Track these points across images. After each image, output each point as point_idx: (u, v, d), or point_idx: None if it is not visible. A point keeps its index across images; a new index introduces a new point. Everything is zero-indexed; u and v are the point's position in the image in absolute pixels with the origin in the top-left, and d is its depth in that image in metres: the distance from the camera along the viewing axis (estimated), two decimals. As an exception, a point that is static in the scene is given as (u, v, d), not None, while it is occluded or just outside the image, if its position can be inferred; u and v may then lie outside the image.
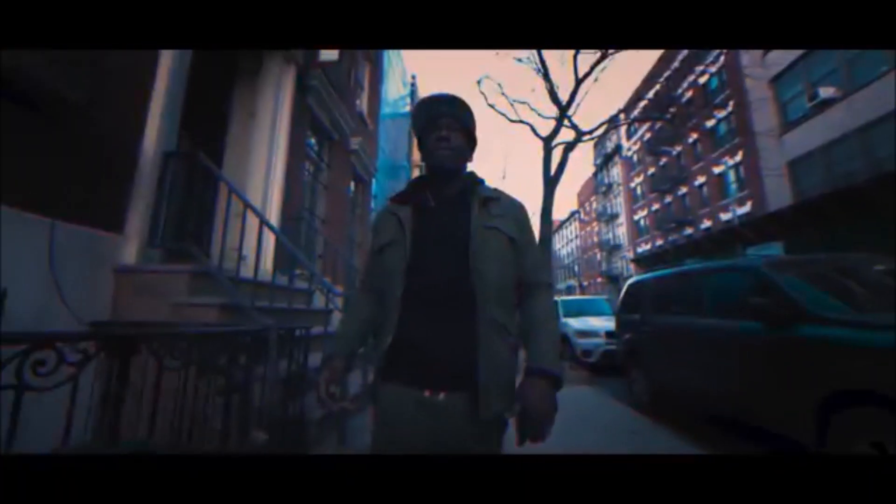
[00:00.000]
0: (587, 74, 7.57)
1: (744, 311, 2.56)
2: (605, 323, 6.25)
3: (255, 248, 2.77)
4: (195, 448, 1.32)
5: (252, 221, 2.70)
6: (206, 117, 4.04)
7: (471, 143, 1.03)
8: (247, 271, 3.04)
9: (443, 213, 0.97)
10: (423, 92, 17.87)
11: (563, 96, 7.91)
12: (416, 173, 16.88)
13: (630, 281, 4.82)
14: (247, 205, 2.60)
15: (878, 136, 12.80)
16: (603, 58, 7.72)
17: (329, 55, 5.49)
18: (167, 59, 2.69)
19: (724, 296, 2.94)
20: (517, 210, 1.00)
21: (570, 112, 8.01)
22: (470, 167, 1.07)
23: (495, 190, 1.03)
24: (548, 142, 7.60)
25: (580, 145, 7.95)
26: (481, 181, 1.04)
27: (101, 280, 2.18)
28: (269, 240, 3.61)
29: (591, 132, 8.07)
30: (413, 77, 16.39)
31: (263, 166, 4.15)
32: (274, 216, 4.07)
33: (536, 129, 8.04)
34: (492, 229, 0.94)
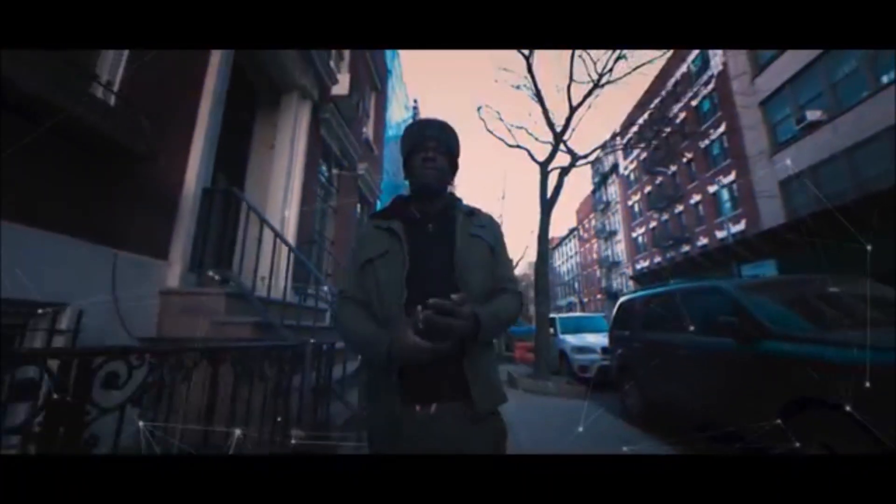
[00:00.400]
0: (580, 103, 8.04)
1: (718, 329, 2.86)
2: (601, 339, 6.50)
3: (277, 271, 3.09)
4: (246, 444, 1.60)
5: (268, 246, 3.04)
6: (229, 149, 4.42)
7: (453, 166, 1.09)
8: (263, 291, 3.36)
9: (430, 225, 1.03)
10: (424, 114, 18.61)
11: (559, 122, 8.36)
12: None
13: (621, 299, 5.11)
14: (277, 235, 2.94)
15: (862, 157, 13.27)
16: (596, 86, 8.20)
17: (340, 89, 5.95)
18: (207, 102, 3.08)
19: (702, 314, 3.24)
20: (493, 224, 1.11)
21: (565, 137, 8.44)
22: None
23: (471, 206, 1.12)
24: (544, 167, 8.00)
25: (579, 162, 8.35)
26: (460, 199, 1.13)
27: (148, 301, 2.49)
28: (284, 262, 3.94)
29: (585, 156, 8.49)
30: (415, 101, 17.11)
31: (281, 194, 4.51)
32: (290, 239, 4.40)
33: (533, 155, 8.44)
34: (475, 237, 1.02)
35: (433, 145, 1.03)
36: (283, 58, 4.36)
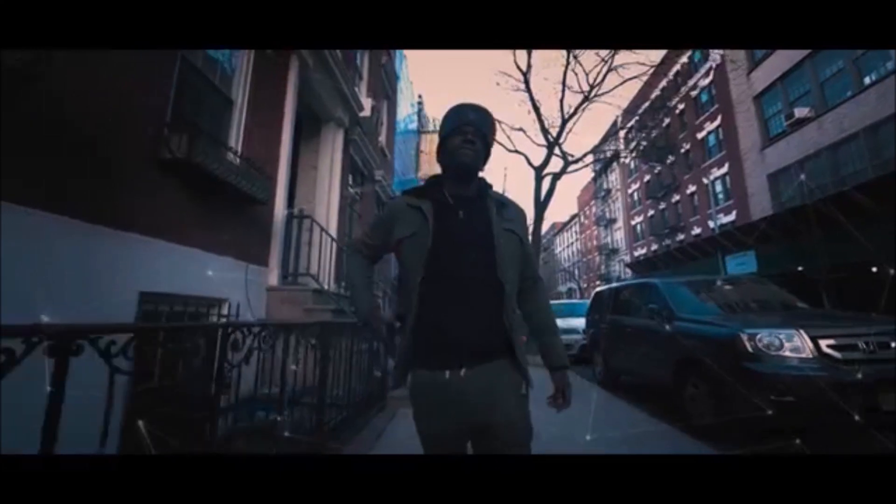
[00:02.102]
0: (572, 115, 9.07)
1: (649, 313, 4.07)
2: (583, 322, 7.75)
3: (329, 270, 4.32)
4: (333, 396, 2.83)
5: (320, 250, 4.27)
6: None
7: (487, 152, 1.14)
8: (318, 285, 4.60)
9: (463, 211, 1.07)
10: (428, 109, 19.54)
11: (556, 123, 9.32)
12: (424, 185, 18.36)
13: (595, 290, 6.34)
14: (339, 247, 4.15)
15: (843, 155, 14.16)
16: (586, 99, 9.21)
17: (363, 112, 7.05)
18: (285, 148, 4.24)
19: (643, 302, 4.44)
20: (522, 215, 1.17)
21: (560, 140, 9.48)
22: None
23: (503, 195, 1.18)
24: (539, 171, 9.09)
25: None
26: (491, 186, 1.17)
27: (261, 295, 3.74)
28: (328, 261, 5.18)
29: (576, 161, 9.55)
30: (419, 97, 18.00)
31: (325, 207, 5.70)
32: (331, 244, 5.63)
33: (530, 160, 9.51)
34: (509, 231, 1.07)
35: (472, 129, 1.08)
36: (325, 96, 5.47)
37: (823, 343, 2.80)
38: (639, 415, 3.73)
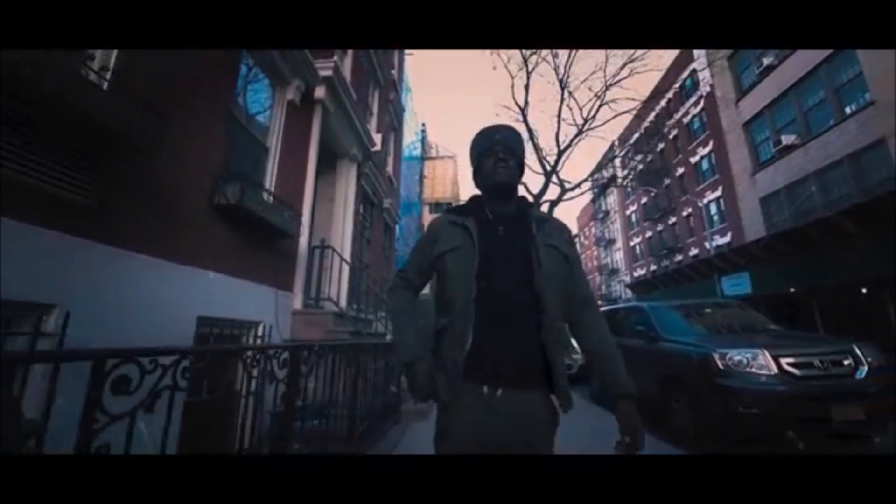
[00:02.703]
0: (567, 146, 9.70)
1: (635, 333, 4.48)
2: (582, 342, 8.14)
3: (342, 293, 4.76)
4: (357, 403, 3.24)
5: (337, 276, 4.72)
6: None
7: (521, 167, 1.15)
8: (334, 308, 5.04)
9: (504, 229, 1.08)
10: (431, 136, 20.47)
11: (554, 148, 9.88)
12: (425, 210, 19.07)
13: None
14: (352, 268, 4.61)
15: (829, 180, 14.77)
16: (580, 132, 9.86)
17: (375, 148, 7.65)
18: (309, 185, 4.77)
19: (631, 323, 4.86)
20: (565, 231, 1.15)
21: (558, 168, 10.07)
22: None
23: (544, 213, 1.20)
24: (537, 199, 9.65)
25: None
26: (532, 204, 1.18)
27: (287, 318, 4.17)
28: (344, 286, 5.63)
29: (573, 188, 10.12)
30: (423, 125, 18.92)
31: (339, 235, 6.19)
32: (346, 269, 6.09)
33: (528, 188, 10.09)
34: (551, 247, 1.06)
35: (502, 148, 1.10)
36: (341, 135, 6.05)
37: (784, 361, 3.21)
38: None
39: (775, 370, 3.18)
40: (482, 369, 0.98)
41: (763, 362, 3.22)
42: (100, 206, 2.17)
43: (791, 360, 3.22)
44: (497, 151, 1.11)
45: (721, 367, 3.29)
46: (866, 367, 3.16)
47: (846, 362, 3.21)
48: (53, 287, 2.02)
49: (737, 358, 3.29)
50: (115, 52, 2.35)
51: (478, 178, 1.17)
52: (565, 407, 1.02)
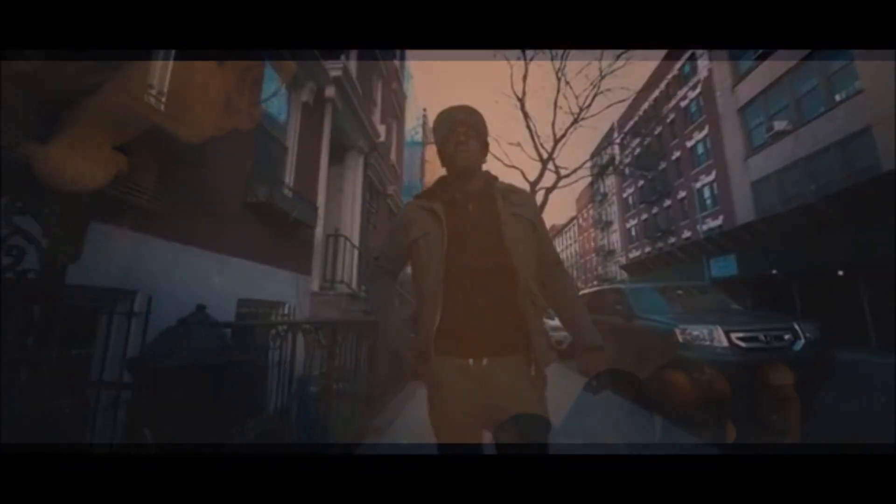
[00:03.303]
0: (563, 136, 10.07)
1: (615, 312, 5.05)
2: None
3: (354, 276, 5.30)
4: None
5: (348, 260, 5.25)
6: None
7: (484, 146, 1.20)
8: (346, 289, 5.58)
9: (471, 206, 1.13)
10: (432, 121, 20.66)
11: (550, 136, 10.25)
12: (427, 193, 19.35)
13: (580, 293, 7.38)
14: (366, 260, 5.13)
15: (817, 166, 15.18)
16: (576, 121, 10.20)
17: (380, 139, 8.03)
18: (323, 178, 5.22)
19: (614, 303, 5.43)
20: (529, 199, 1.22)
21: (554, 155, 10.47)
22: None
23: (508, 184, 1.21)
24: (533, 186, 10.09)
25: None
26: (496, 178, 1.21)
27: (306, 299, 4.72)
28: (354, 269, 6.16)
29: (567, 175, 10.54)
30: (424, 111, 19.06)
31: (349, 223, 6.68)
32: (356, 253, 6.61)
33: (525, 175, 10.51)
34: (517, 216, 1.11)
35: (463, 130, 1.14)
36: (349, 130, 6.45)
37: (734, 336, 3.78)
38: (615, 399, 4.70)
39: (726, 343, 3.76)
40: (461, 343, 1.04)
41: (716, 336, 3.80)
42: (167, 209, 2.67)
43: (740, 334, 3.79)
44: (459, 133, 1.14)
45: (682, 340, 3.88)
46: (803, 341, 3.75)
47: (786, 336, 3.80)
48: (134, 277, 2.53)
49: (695, 333, 3.86)
50: (168, 79, 2.79)
51: (442, 160, 1.21)
52: (545, 362, 1.06)
